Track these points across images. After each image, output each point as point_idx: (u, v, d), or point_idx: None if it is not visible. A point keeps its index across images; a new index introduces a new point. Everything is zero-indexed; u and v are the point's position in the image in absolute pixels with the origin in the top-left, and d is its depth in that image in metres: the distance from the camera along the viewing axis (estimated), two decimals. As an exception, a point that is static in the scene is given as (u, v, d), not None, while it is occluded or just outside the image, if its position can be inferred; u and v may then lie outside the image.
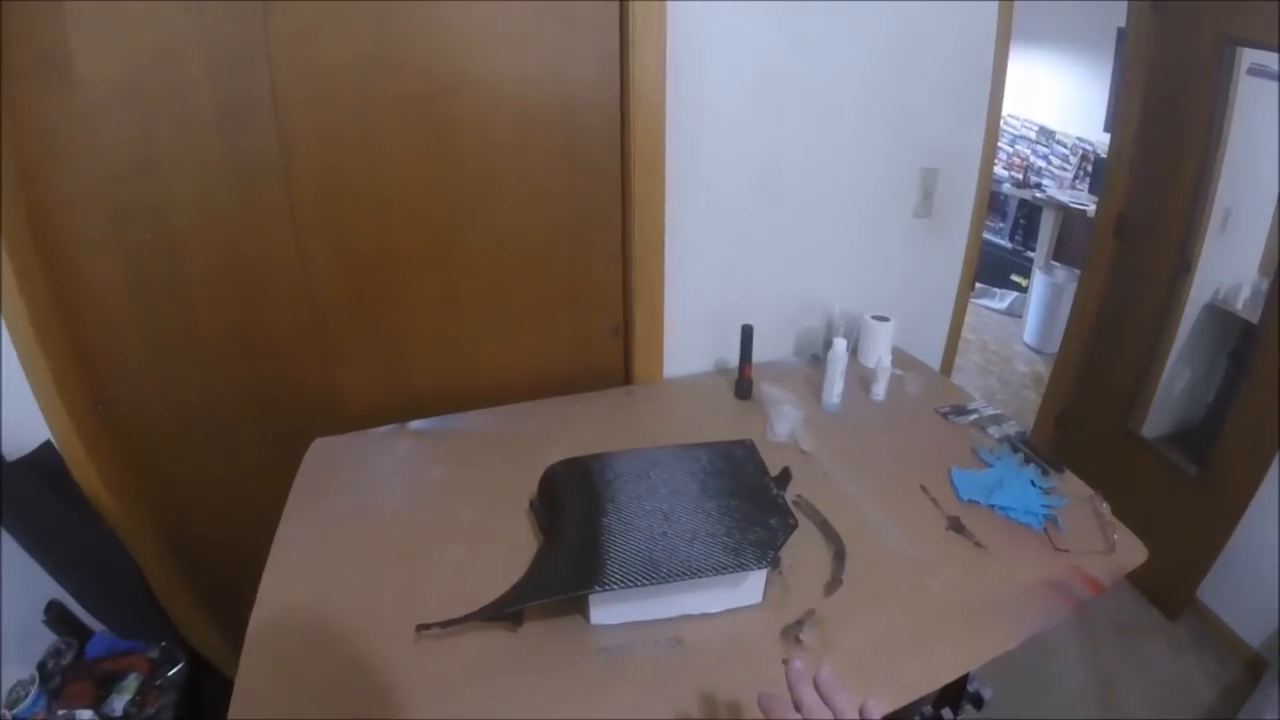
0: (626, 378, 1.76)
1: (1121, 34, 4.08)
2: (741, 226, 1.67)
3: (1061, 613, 1.09)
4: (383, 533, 1.17)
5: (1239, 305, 2.37)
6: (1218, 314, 2.44)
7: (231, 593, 1.18)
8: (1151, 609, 2.40)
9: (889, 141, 1.75)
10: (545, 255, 1.57)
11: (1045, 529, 1.26)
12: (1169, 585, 2.31)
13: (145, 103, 1.19)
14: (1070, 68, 4.70)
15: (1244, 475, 2.10)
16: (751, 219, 1.68)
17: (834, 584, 1.10)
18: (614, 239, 1.60)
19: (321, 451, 1.37)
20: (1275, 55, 1.97)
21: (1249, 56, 2.04)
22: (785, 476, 1.27)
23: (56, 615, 1.42)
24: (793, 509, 1.11)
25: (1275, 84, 2.03)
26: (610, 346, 1.73)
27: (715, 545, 0.99)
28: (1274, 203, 2.16)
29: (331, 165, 1.34)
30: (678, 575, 0.94)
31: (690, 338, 1.74)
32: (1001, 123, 2.00)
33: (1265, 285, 2.24)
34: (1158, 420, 2.58)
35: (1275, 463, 2.01)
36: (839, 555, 1.16)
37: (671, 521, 1.03)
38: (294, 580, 1.07)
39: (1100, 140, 4.50)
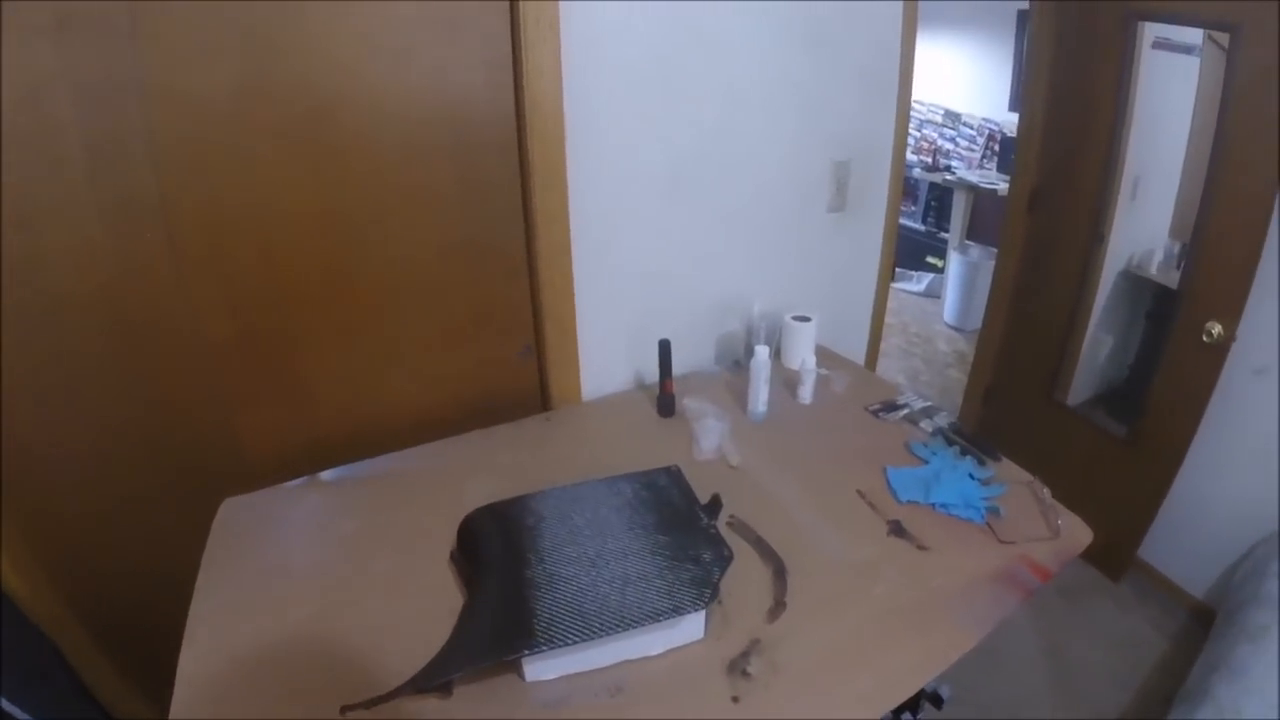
0: (544, 401, 1.68)
1: (1022, 16, 4.20)
2: (652, 233, 1.61)
3: (1013, 604, 1.08)
4: (298, 597, 1.08)
5: (1153, 270, 2.44)
6: (1132, 279, 2.50)
7: (156, 661, 1.07)
8: (1092, 570, 2.46)
9: (799, 136, 1.71)
10: (443, 278, 1.49)
11: (987, 521, 1.24)
12: (1110, 547, 2.36)
13: (11, 150, 1.08)
14: (972, 50, 4.82)
15: (1175, 431, 2.16)
16: (662, 225, 1.62)
17: (777, 607, 1.05)
18: (516, 255, 1.53)
19: (231, 512, 1.27)
20: (1180, 29, 2.02)
21: (1153, 30, 2.08)
22: (716, 504, 1.21)
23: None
24: (727, 535, 1.06)
25: (1180, 55, 2.08)
26: (524, 369, 1.65)
27: (648, 589, 0.93)
28: (1180, 169, 2.22)
29: (211, 202, 1.24)
30: (611, 628, 0.88)
31: (607, 353, 1.68)
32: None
33: (1177, 249, 2.31)
34: (1083, 387, 2.64)
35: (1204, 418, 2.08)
36: (779, 573, 1.11)
37: (599, 567, 0.97)
38: (211, 657, 0.97)
39: (1006, 120, 4.63)
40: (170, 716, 0.88)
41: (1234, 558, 2.12)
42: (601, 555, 0.99)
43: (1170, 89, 2.12)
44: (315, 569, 1.15)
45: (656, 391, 1.60)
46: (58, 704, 1.38)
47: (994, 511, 1.26)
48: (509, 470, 1.37)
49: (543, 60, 1.33)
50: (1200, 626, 2.13)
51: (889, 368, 3.96)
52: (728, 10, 1.49)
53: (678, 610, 0.90)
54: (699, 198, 1.64)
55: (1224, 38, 1.89)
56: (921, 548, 1.18)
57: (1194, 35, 2.07)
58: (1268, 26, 1.74)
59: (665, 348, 1.54)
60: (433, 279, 1.48)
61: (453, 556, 1.12)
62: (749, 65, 1.57)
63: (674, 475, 1.18)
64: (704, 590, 0.93)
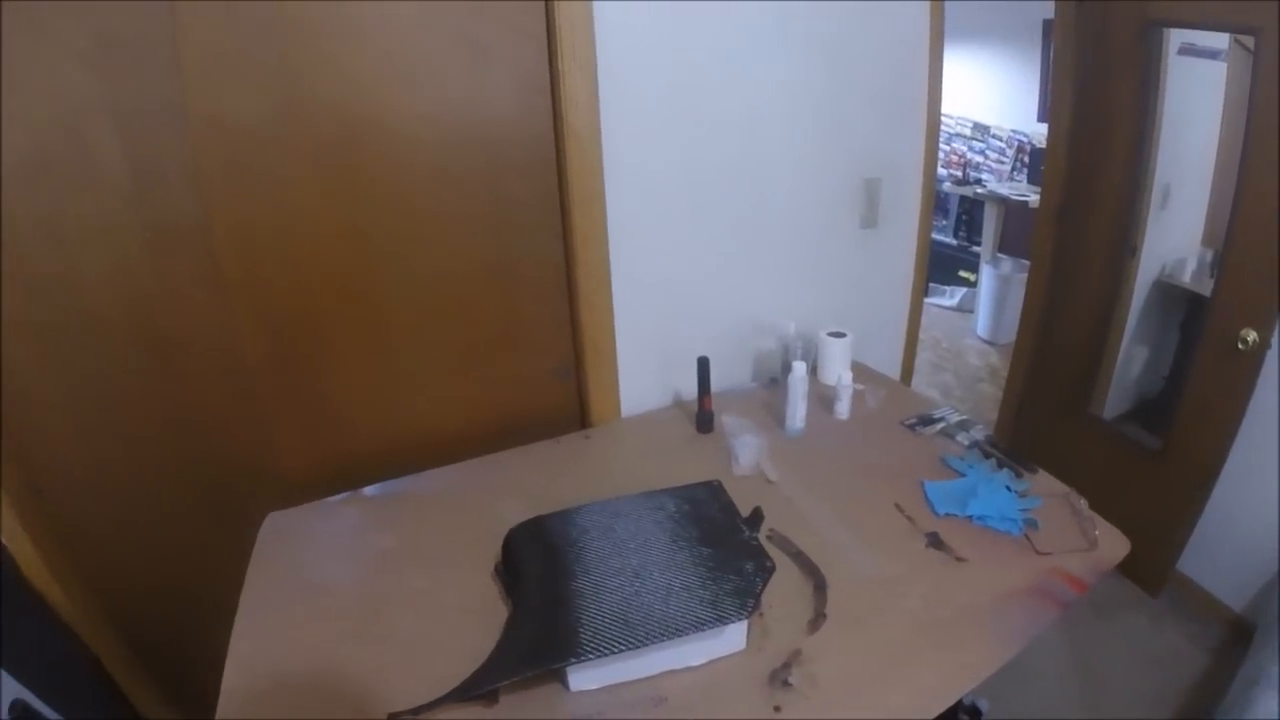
0: (583, 419, 1.71)
1: (1048, 25, 4.17)
2: (684, 253, 1.64)
3: (1050, 617, 1.08)
4: (340, 611, 1.11)
5: (1186, 278, 2.41)
6: (1165, 289, 2.48)
7: (192, 675, 1.11)
8: (1128, 584, 2.42)
9: (827, 154, 1.74)
10: (474, 298, 1.52)
11: (1025, 533, 1.24)
12: (1146, 561, 2.33)
13: (51, 176, 1.13)
14: (999, 62, 4.80)
15: (1209, 441, 2.12)
16: (693, 245, 1.65)
17: (817, 619, 1.06)
18: (549, 276, 1.56)
19: (274, 527, 1.31)
20: (1206, 34, 2.02)
21: (1179, 36, 2.08)
22: (757, 516, 1.23)
23: (20, 713, 1.33)
24: (767, 546, 1.07)
25: (1206, 61, 2.07)
26: (559, 388, 1.68)
27: (691, 599, 0.95)
28: (1210, 176, 2.20)
29: (245, 224, 1.28)
30: (655, 637, 0.90)
31: (644, 371, 1.70)
32: (937, 122, 2.01)
33: (1209, 256, 2.28)
34: (1118, 399, 2.61)
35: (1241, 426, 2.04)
36: (819, 588, 1.12)
37: (643, 578, 0.99)
38: (255, 673, 1.00)
39: (1034, 131, 4.60)
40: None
41: (1273, 570, 2.08)
42: (645, 567, 1.01)
43: (1197, 95, 2.12)
44: (356, 583, 1.18)
45: (694, 409, 1.62)
46: (92, 710, 1.41)
47: (1031, 524, 1.26)
48: (548, 487, 1.39)
49: (579, 90, 1.37)
50: (1238, 641, 2.09)
51: (920, 383, 3.93)
52: (753, 33, 1.51)
53: (721, 620, 0.92)
54: (729, 218, 1.67)
55: (1251, 40, 1.88)
56: (959, 560, 1.19)
57: (1219, 40, 2.05)
58: None
59: (704, 365, 1.56)
60: (464, 299, 1.51)
61: (497, 570, 1.15)
62: (776, 87, 1.60)
63: (714, 489, 1.20)
64: (746, 600, 0.94)
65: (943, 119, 5.04)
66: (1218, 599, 2.27)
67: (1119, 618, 2.31)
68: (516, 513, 1.21)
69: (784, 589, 1.11)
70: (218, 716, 0.93)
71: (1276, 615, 1.83)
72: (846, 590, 1.12)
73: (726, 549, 1.04)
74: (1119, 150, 2.25)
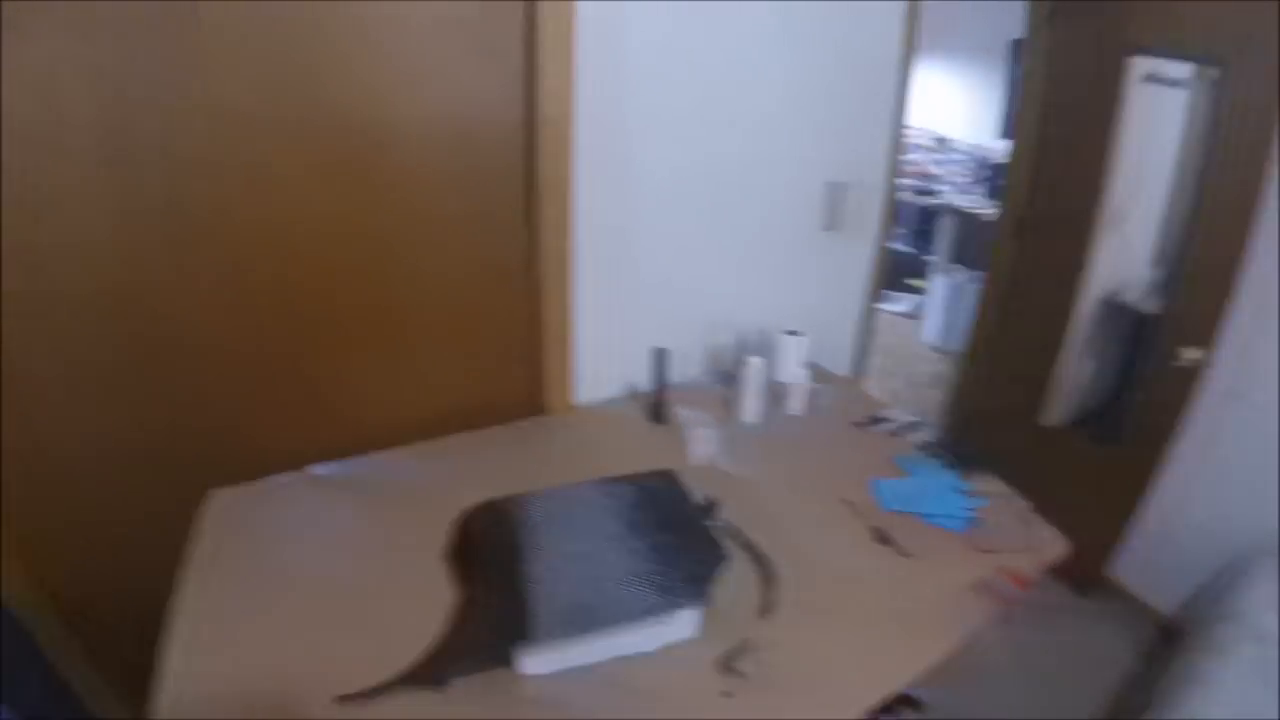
0: (539, 408, 1.70)
1: (1015, 45, 4.28)
2: (650, 245, 1.65)
3: (992, 610, 1.13)
4: (288, 592, 1.10)
5: (1133, 297, 2.50)
6: (1114, 306, 2.57)
7: (143, 664, 1.08)
8: (1063, 588, 2.51)
9: (796, 157, 1.76)
10: (446, 289, 1.51)
11: (969, 532, 1.29)
12: (1081, 564, 2.41)
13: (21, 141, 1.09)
14: (963, 77, 4.91)
15: (1148, 454, 2.23)
16: (659, 238, 1.66)
17: (767, 608, 1.09)
18: (517, 266, 1.56)
19: (219, 505, 1.28)
20: (1169, 62, 2.10)
21: (1144, 65, 2.16)
22: (711, 505, 1.26)
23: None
24: (720, 536, 1.09)
25: (1167, 89, 2.15)
26: (517, 376, 1.68)
27: (645, 585, 0.96)
28: (1163, 201, 2.29)
29: (227, 210, 1.26)
30: (608, 623, 0.91)
31: (601, 362, 1.71)
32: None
33: (1157, 277, 2.38)
34: (1063, 409, 2.70)
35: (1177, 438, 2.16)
36: (769, 577, 1.15)
37: (596, 564, 1.00)
38: (198, 652, 0.99)
39: (994, 146, 4.72)
40: (158, 715, 0.89)
41: (1204, 576, 2.18)
42: (599, 552, 1.02)
43: (1158, 122, 2.19)
44: (306, 564, 1.16)
45: (649, 400, 1.64)
46: (41, 703, 1.38)
47: (975, 522, 1.30)
48: (500, 473, 1.38)
49: (555, 80, 1.37)
50: (1168, 643, 2.18)
51: (870, 387, 4.00)
52: (731, 37, 1.53)
53: (674, 606, 0.94)
54: (695, 214, 1.68)
55: (1214, 72, 1.97)
56: (906, 555, 1.22)
57: (1183, 69, 2.14)
58: (1252, 62, 1.81)
59: (662, 356, 1.58)
60: (434, 289, 1.50)
61: (448, 553, 1.15)
62: (748, 87, 1.61)
63: (670, 478, 1.22)
64: (699, 588, 0.96)
65: (907, 130, 5.16)
66: (1149, 604, 2.37)
67: (1052, 619, 2.39)
68: (468, 497, 1.21)
69: (735, 578, 1.13)
70: (161, 701, 0.91)
71: (1206, 619, 1.92)
72: (796, 581, 1.15)
73: (680, 537, 1.06)
74: (1078, 171, 2.32)
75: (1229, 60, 1.90)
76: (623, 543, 1.05)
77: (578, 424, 1.66)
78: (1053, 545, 1.28)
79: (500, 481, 1.29)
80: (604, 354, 1.70)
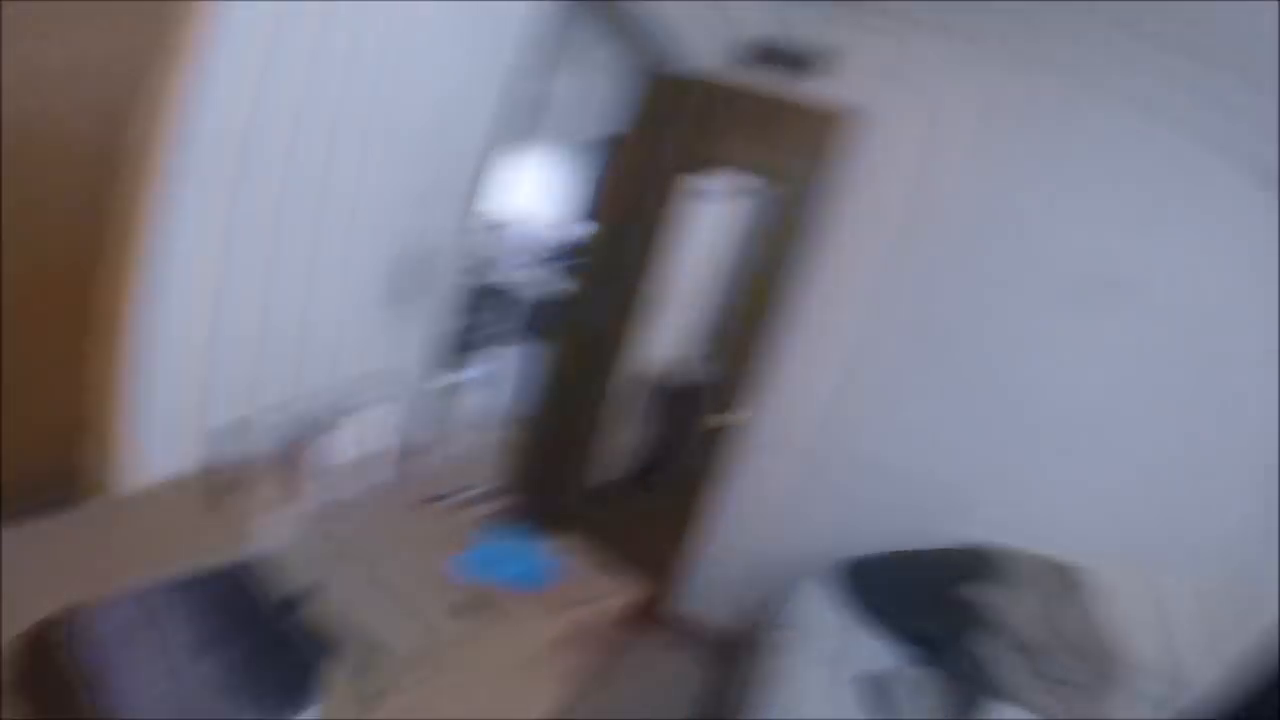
0: (91, 488, 1.38)
1: (598, 144, 4.83)
2: (205, 315, 1.45)
3: (588, 658, 1.26)
4: None
5: (670, 370, 3.05)
6: (664, 376, 3.09)
7: None
8: (637, 622, 2.87)
9: (359, 231, 1.69)
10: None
11: (548, 591, 1.42)
12: (650, 600, 2.79)
13: None
14: (563, 162, 5.41)
15: (692, 501, 2.79)
16: (215, 307, 1.46)
17: (368, 699, 1.06)
18: (69, 321, 1.27)
19: None
20: (716, 181, 2.70)
21: (695, 180, 2.70)
22: (292, 600, 1.18)
23: None
24: (315, 629, 1.03)
25: (715, 201, 2.74)
26: (69, 450, 1.36)
27: (234, 703, 0.86)
28: (696, 293, 2.87)
29: None
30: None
31: (162, 437, 1.45)
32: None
33: (696, 354, 2.94)
34: (618, 468, 3.14)
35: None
36: (360, 667, 1.13)
37: (187, 687, 0.86)
38: None
39: (574, 229, 5.23)
40: None
41: (756, 596, 2.75)
42: (178, 673, 0.88)
43: (699, 226, 2.75)
44: None
45: (215, 479, 1.45)
46: None
47: (552, 581, 1.44)
48: (42, 578, 1.10)
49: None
50: (738, 653, 2.64)
51: (439, 458, 4.07)
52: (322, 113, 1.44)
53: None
54: (254, 287, 1.51)
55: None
56: (493, 619, 1.30)
57: (725, 184, 2.72)
58: (785, 183, 2.50)
59: (225, 433, 1.45)
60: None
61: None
62: (307, 167, 1.49)
63: (240, 572, 1.12)
64: (294, 694, 0.90)
65: (480, 207, 5.42)
66: (714, 624, 2.91)
67: (633, 652, 2.69)
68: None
69: (338, 668, 1.09)
70: None
71: (764, 628, 2.39)
72: (390, 666, 1.16)
73: (263, 640, 0.99)
74: (633, 262, 2.78)
75: (769, 180, 2.57)
76: (195, 660, 0.93)
77: (135, 510, 1.38)
78: (627, 590, 1.49)
79: (38, 588, 1.04)
80: (166, 428, 1.45)
